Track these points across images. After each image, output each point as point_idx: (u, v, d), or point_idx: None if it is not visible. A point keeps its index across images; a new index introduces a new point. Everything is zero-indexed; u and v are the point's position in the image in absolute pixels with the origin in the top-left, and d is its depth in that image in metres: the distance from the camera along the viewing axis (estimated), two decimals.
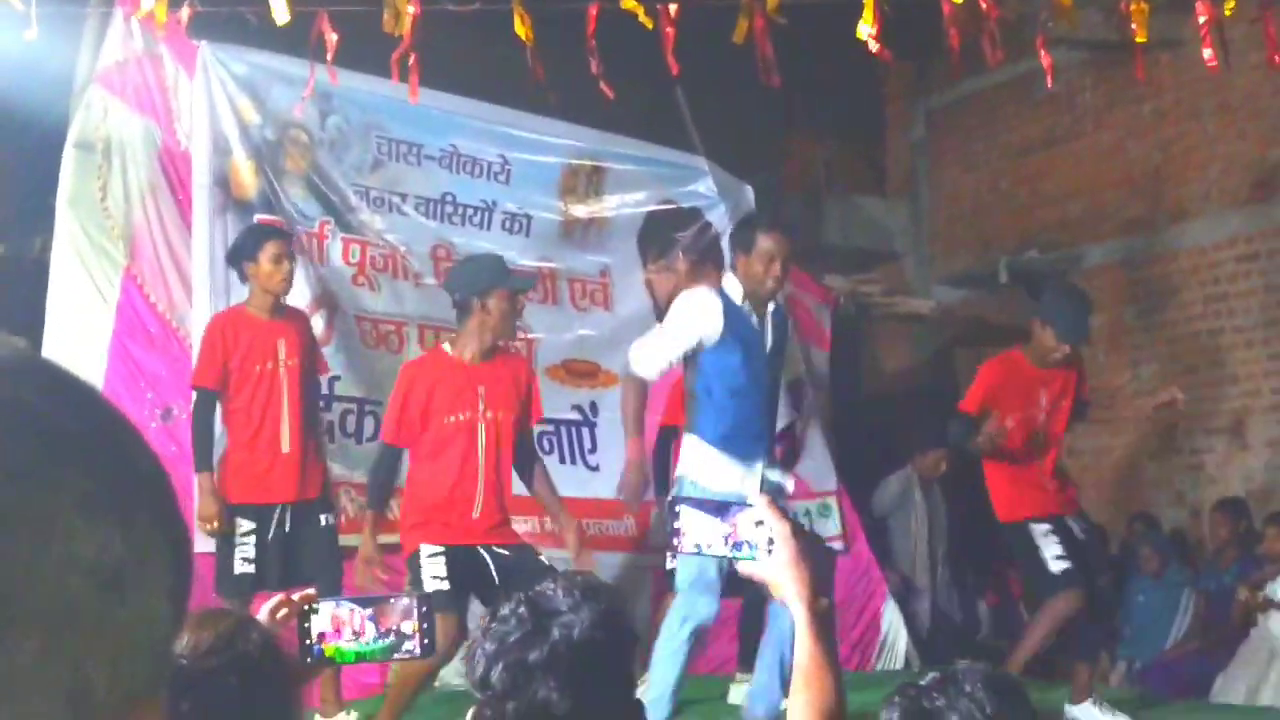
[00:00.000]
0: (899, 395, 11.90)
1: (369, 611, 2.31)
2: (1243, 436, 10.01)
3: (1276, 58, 5.76)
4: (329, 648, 2.31)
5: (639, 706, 2.14)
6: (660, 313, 8.62)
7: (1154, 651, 8.94)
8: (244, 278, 6.38)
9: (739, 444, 5.74)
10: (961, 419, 6.59)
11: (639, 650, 2.14)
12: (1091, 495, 10.86)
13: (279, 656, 1.93)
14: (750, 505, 2.24)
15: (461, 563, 5.71)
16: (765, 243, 5.72)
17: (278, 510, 6.16)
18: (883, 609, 8.65)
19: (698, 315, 5.73)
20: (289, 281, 6.32)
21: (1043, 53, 5.60)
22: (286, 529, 6.17)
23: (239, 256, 6.37)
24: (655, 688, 5.52)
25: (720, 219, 9.02)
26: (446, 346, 6.15)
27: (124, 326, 7.00)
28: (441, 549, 5.73)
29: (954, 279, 12.24)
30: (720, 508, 2.24)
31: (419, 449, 5.94)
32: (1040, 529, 6.48)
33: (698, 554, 2.29)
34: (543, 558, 5.96)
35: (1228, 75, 9.45)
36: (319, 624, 2.30)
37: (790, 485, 6.11)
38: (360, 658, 2.34)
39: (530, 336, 8.18)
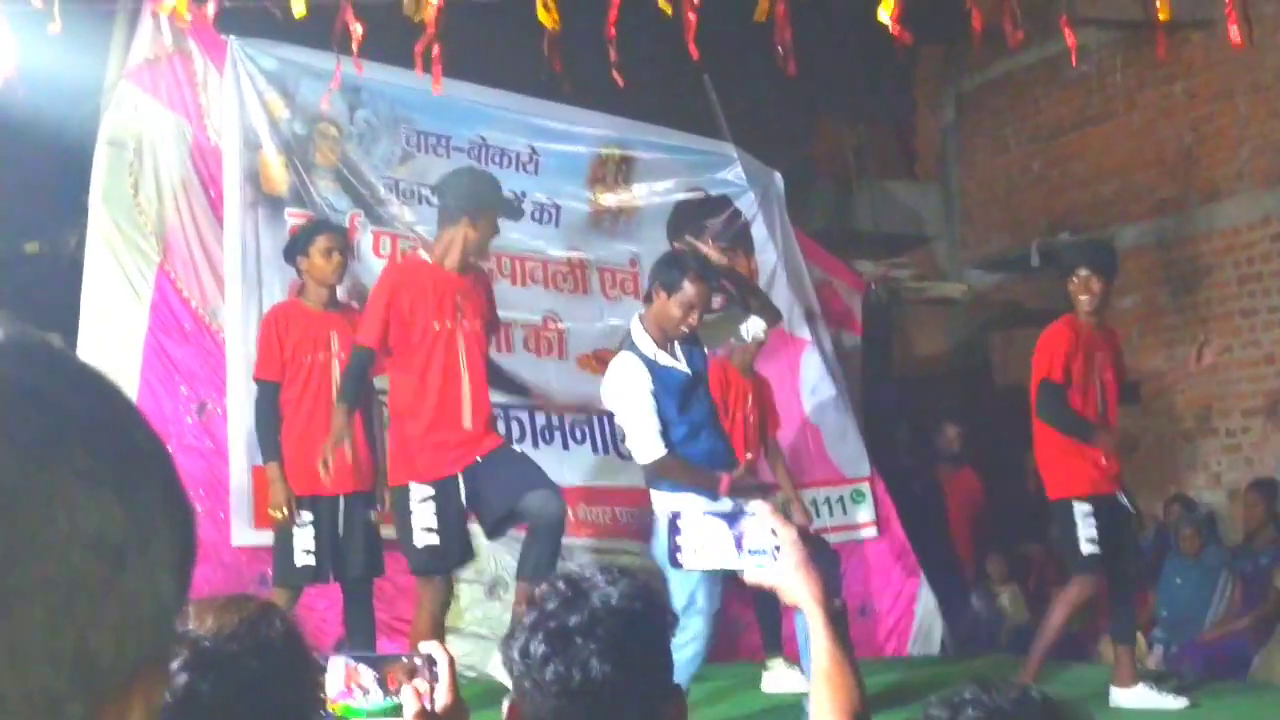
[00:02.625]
0: (932, 380, 11.88)
1: (374, 673, 2.27)
2: (1278, 416, 9.95)
3: None
4: (339, 706, 2.30)
5: (679, 689, 2.14)
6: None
7: (1191, 633, 8.90)
8: (299, 273, 6.46)
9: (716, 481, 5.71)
10: (1053, 388, 6.52)
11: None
12: (1126, 477, 10.81)
13: (302, 645, 1.95)
14: (752, 514, 2.24)
15: (454, 499, 5.76)
16: (689, 291, 5.72)
17: (329, 502, 6.18)
18: (918, 594, 8.64)
19: (634, 381, 5.72)
20: (340, 274, 6.38)
21: (1067, 31, 5.58)
22: (339, 521, 6.20)
23: (293, 251, 6.45)
24: None
25: (749, 206, 9.03)
26: (424, 254, 6.20)
27: (158, 322, 7.05)
28: (432, 491, 5.75)
29: (986, 262, 12.20)
30: (723, 517, 2.24)
31: (399, 363, 5.95)
32: (1082, 509, 6.47)
33: (703, 569, 2.27)
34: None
35: (1259, 54, 9.40)
36: (333, 684, 2.27)
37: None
38: (370, 715, 2.32)
39: (560, 326, 8.21)
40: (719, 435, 5.98)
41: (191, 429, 7.05)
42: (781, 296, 8.87)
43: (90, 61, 7.16)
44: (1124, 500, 6.68)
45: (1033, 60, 11.06)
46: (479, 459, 5.80)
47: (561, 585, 2.07)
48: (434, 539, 5.75)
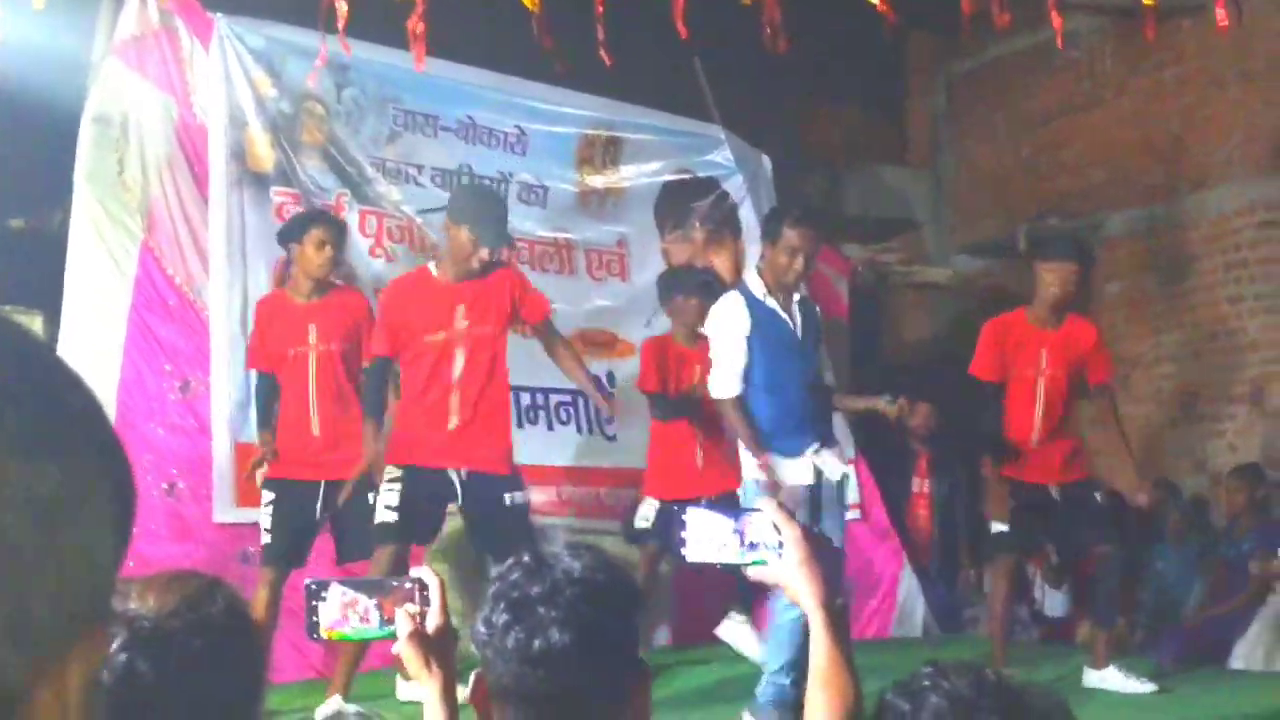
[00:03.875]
0: (918, 364, 11.88)
1: (374, 601, 2.32)
2: (1263, 403, 9.98)
3: None
4: (334, 632, 2.33)
5: (644, 664, 2.14)
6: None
7: (1173, 619, 8.93)
8: (289, 260, 6.48)
9: (781, 439, 5.81)
10: (973, 384, 6.69)
11: (643, 613, 2.14)
12: (1113, 462, 10.84)
13: (245, 619, 1.94)
14: (758, 510, 2.25)
15: (423, 486, 5.87)
16: (790, 236, 5.78)
17: (309, 487, 6.19)
18: (900, 576, 8.66)
19: (732, 319, 5.82)
20: (329, 268, 6.35)
21: (1054, 15, 5.57)
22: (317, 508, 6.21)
23: (286, 237, 6.45)
24: (771, 663, 5.65)
25: (737, 188, 9.03)
26: (432, 266, 6.24)
27: (142, 300, 7.04)
28: (400, 472, 5.85)
29: (974, 248, 12.20)
30: (728, 513, 2.24)
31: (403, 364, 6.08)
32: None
33: (704, 564, 2.28)
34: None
35: (1249, 42, 9.41)
36: (327, 610, 2.32)
37: (844, 470, 6.09)
38: (363, 639, 2.36)
39: None
40: (800, 406, 5.92)
41: (175, 406, 7.04)
42: None
43: (76, 38, 7.14)
44: (1074, 493, 6.68)
45: (1024, 46, 11.05)
46: None
47: (526, 558, 2.08)
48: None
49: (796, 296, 5.95)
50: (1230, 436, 10.18)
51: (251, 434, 7.05)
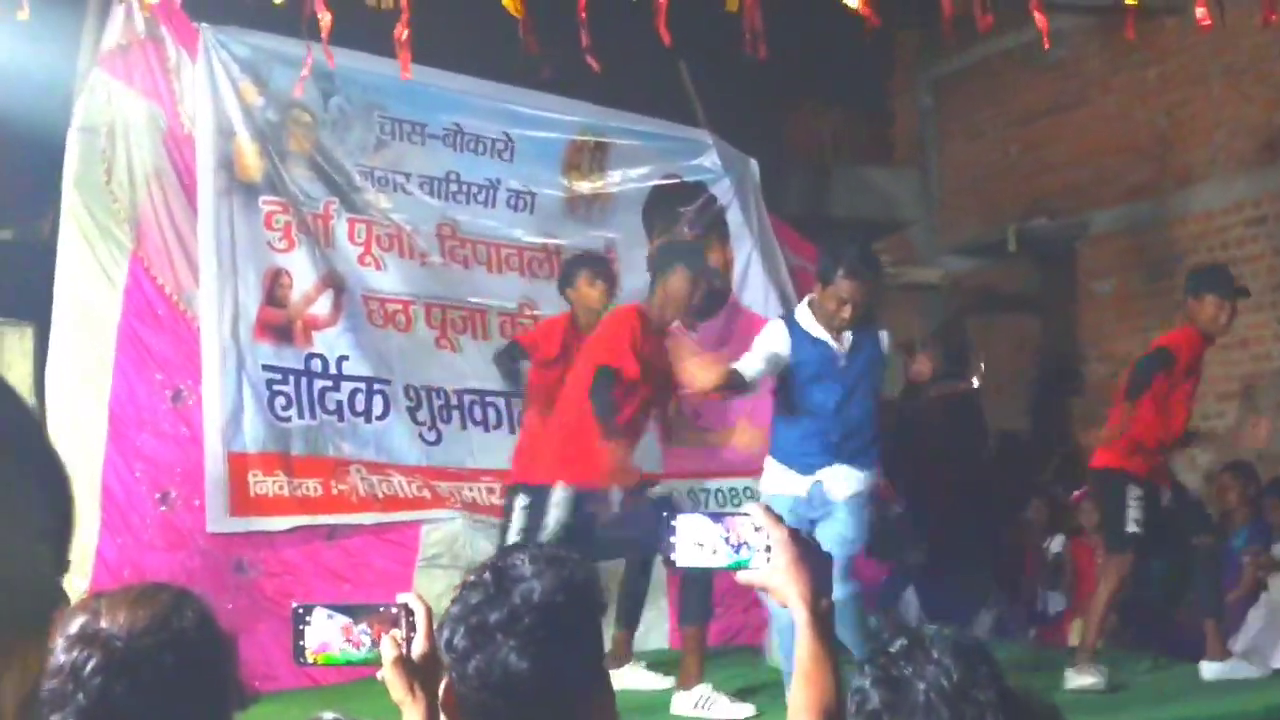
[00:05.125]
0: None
1: (363, 626, 2.34)
2: (1253, 400, 9.99)
3: (1273, 16, 5.74)
4: (320, 657, 2.34)
5: (604, 674, 2.16)
6: None
7: (1168, 613, 8.93)
8: (569, 302, 7.27)
9: (800, 456, 5.91)
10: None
11: (606, 616, 2.16)
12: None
13: (216, 634, 1.94)
14: (745, 514, 2.25)
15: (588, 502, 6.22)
16: (843, 286, 5.80)
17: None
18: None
19: (767, 337, 5.94)
20: (606, 300, 7.10)
21: (1038, 15, 5.58)
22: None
23: (562, 284, 7.36)
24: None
25: (725, 192, 9.04)
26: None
27: (132, 308, 7.02)
28: (572, 492, 6.23)
29: (962, 248, 12.21)
30: (715, 517, 2.24)
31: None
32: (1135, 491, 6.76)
33: (692, 567, 2.29)
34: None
35: (1233, 39, 9.43)
36: (314, 634, 2.33)
37: (855, 491, 6.02)
38: (349, 663, 2.38)
39: (536, 313, 8.20)
40: (830, 430, 5.92)
41: (167, 415, 7.02)
42: (757, 282, 8.91)
43: (62, 48, 7.12)
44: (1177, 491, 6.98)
45: (1009, 46, 11.07)
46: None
47: (487, 576, 2.09)
48: None
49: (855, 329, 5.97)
50: (1221, 434, 10.18)
51: (244, 444, 7.07)
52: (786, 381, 5.93)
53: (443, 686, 2.12)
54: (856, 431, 5.99)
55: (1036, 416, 11.72)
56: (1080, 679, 6.51)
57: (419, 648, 2.33)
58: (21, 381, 6.94)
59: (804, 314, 5.95)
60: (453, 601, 2.10)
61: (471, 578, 2.11)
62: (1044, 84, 11.48)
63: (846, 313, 5.81)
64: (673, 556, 2.23)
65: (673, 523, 2.22)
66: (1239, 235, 10.10)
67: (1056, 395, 11.43)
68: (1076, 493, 9.58)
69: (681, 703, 6.18)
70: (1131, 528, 6.64)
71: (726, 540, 2.21)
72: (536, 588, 2.05)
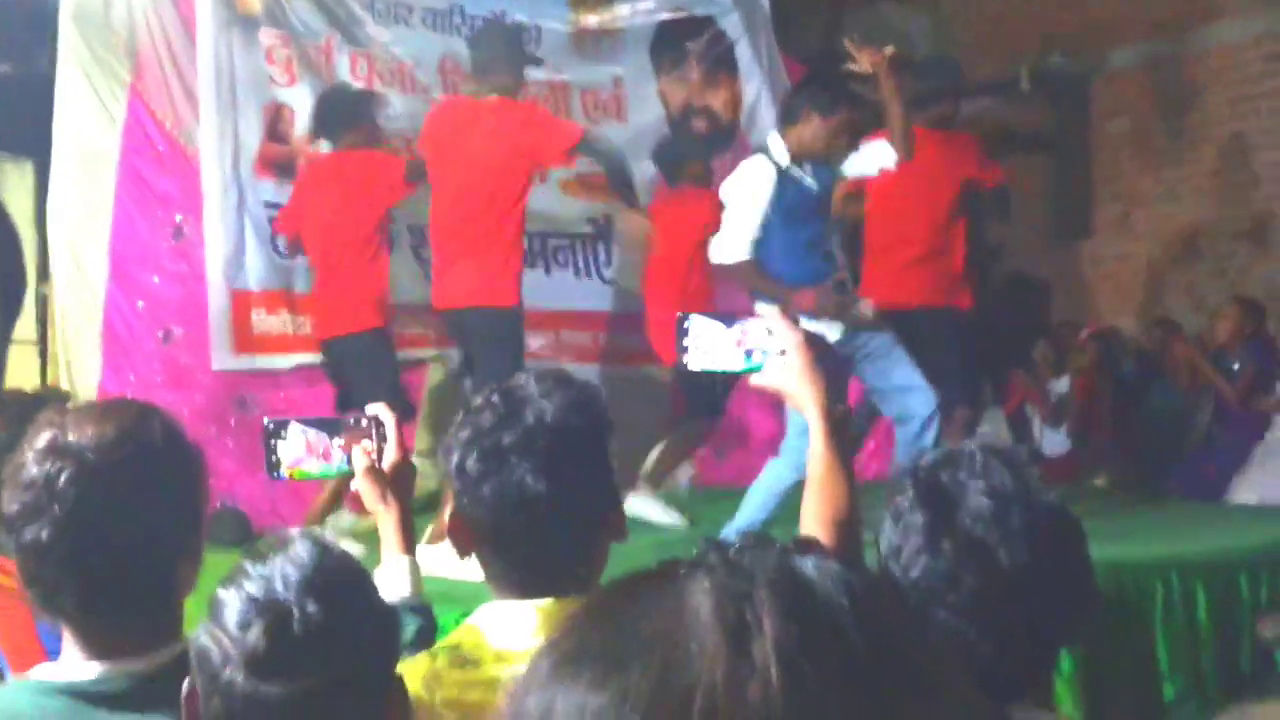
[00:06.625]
0: None
1: (333, 439, 2.37)
2: (1265, 241, 9.91)
3: None
4: (295, 470, 2.35)
5: (616, 493, 2.14)
6: (673, 122, 8.53)
7: (1175, 453, 8.98)
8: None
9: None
10: None
11: (615, 439, 2.12)
12: (1113, 300, 10.82)
13: (184, 445, 1.95)
14: (758, 317, 2.21)
15: None
16: (845, 118, 5.74)
17: None
18: None
19: (756, 185, 5.71)
20: None
21: None
22: None
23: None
24: (739, 522, 5.51)
25: (734, 27, 8.87)
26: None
27: (132, 145, 6.95)
28: None
29: (975, 86, 12.01)
30: (729, 320, 2.21)
31: None
32: None
33: (706, 370, 2.25)
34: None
35: None
36: (288, 449, 2.34)
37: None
38: (324, 476, 2.42)
39: None
40: (827, 258, 5.89)
41: (168, 252, 6.99)
42: (765, 121, 8.76)
43: None
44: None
45: None
46: None
47: (496, 400, 2.06)
48: None
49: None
50: (1231, 275, 10.13)
51: (246, 281, 7.04)
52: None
53: (448, 514, 2.11)
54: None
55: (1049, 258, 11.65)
56: None
57: (390, 457, 2.38)
58: (23, 217, 6.89)
59: (779, 151, 5.77)
60: (459, 426, 2.07)
61: (479, 400, 2.08)
62: None
63: (837, 145, 5.78)
64: (685, 359, 2.20)
65: (686, 324, 2.19)
66: (1257, 71, 9.92)
67: (1065, 238, 11.34)
68: (1082, 334, 9.57)
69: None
70: None
71: (740, 344, 2.18)
72: (547, 408, 2.02)
